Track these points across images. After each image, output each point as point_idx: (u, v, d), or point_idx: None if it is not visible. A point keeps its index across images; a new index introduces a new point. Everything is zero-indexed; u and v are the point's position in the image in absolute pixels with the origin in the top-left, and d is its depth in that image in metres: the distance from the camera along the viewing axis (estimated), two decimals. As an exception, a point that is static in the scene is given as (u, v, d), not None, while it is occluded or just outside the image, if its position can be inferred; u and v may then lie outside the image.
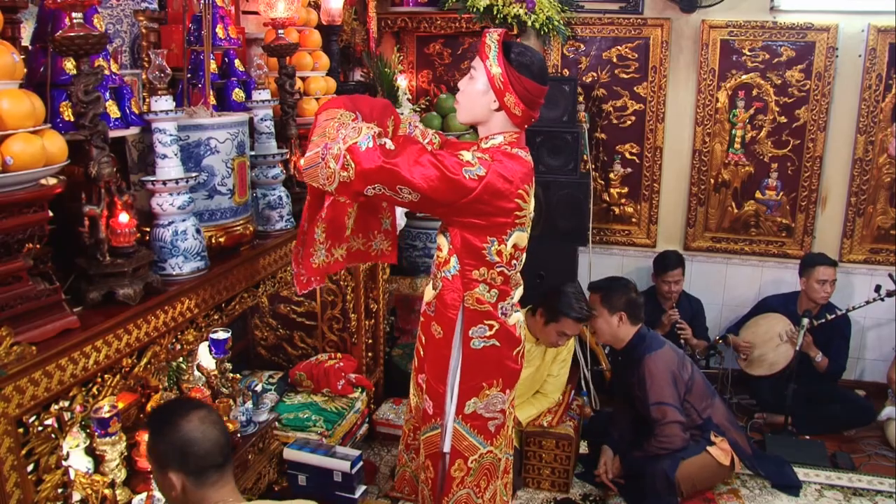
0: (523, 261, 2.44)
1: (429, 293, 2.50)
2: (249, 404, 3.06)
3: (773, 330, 4.38)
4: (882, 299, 4.30)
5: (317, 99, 3.37)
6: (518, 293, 2.48)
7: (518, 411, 3.58)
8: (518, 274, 2.45)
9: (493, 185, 2.19)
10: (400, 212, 3.82)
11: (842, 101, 4.61)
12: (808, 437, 4.26)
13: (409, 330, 4.61)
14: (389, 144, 2.16)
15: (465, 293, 2.36)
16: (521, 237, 2.35)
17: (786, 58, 4.58)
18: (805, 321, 4.20)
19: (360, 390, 3.76)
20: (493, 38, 2.28)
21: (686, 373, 3.63)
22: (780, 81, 4.60)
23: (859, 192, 4.70)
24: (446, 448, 2.48)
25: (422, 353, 2.57)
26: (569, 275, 4.31)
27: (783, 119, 4.64)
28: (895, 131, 4.61)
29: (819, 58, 4.54)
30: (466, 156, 2.22)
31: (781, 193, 4.75)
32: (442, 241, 2.40)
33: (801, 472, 3.87)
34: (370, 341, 4.01)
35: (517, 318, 2.48)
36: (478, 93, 2.32)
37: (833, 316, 4.29)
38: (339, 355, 3.81)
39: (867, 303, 4.32)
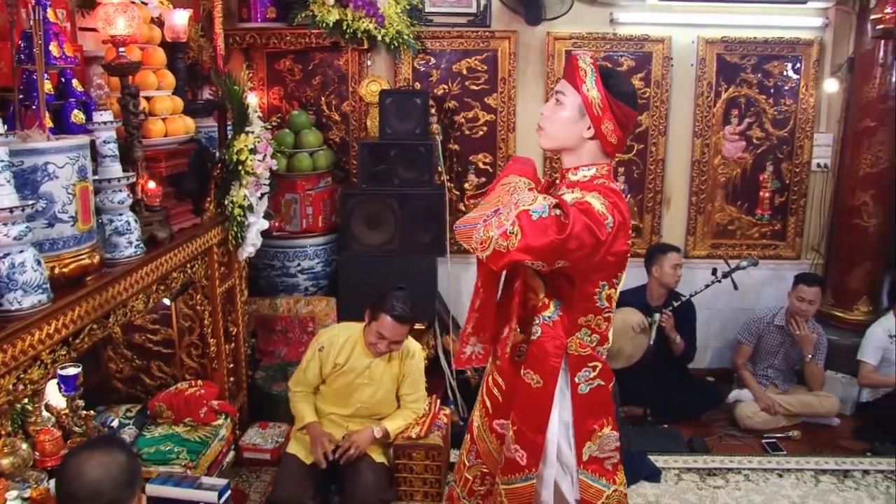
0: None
1: (512, 336, 2.32)
2: (105, 441, 2.90)
3: (627, 323, 4.56)
4: (719, 280, 4.59)
5: (163, 119, 3.25)
6: (611, 335, 2.34)
7: (387, 422, 3.58)
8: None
9: (618, 233, 2.05)
10: (255, 231, 3.76)
11: (679, 107, 4.90)
12: (665, 425, 4.47)
13: (271, 351, 4.53)
14: (564, 216, 1.96)
15: (567, 339, 2.23)
16: (622, 277, 2.25)
17: (626, 67, 4.81)
18: (657, 316, 4.43)
19: (223, 417, 3.64)
20: (587, 61, 2.14)
21: None
22: (620, 90, 4.82)
23: (699, 192, 5.00)
24: (575, 497, 2.36)
25: (499, 398, 2.42)
26: (429, 286, 4.36)
27: (626, 125, 4.86)
28: (727, 134, 4.93)
29: (656, 67, 4.80)
30: (596, 205, 2.03)
31: (629, 196, 4.97)
32: (538, 284, 2.25)
33: (661, 459, 4.06)
34: (231, 366, 3.90)
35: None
36: (568, 119, 2.17)
37: (679, 303, 4.53)
38: (199, 382, 3.68)
39: (707, 286, 4.59)
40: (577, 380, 2.27)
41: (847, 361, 4.74)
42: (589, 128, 2.15)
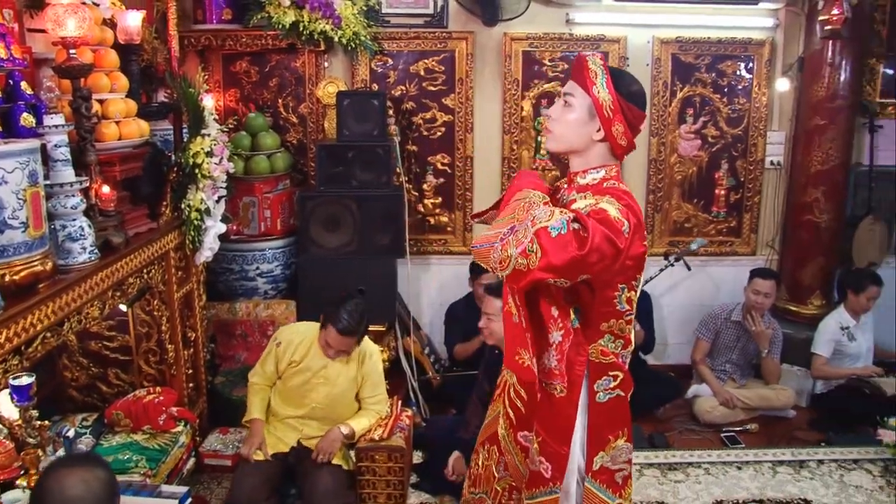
0: None
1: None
2: (61, 452, 2.85)
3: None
4: (672, 264, 4.75)
5: (117, 122, 3.19)
6: (633, 338, 2.29)
7: (352, 421, 3.57)
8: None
9: (635, 236, 1.99)
10: (212, 235, 3.72)
11: (635, 106, 4.94)
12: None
13: (231, 356, 4.49)
14: (583, 230, 1.89)
15: (589, 346, 2.17)
16: (640, 279, 2.21)
17: (582, 67, 4.84)
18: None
19: (183, 423, 3.60)
20: (597, 62, 2.09)
21: None
22: (578, 90, 4.85)
23: (656, 190, 5.06)
24: None
25: (522, 409, 2.35)
26: (389, 288, 4.34)
27: (583, 125, 4.90)
28: (683, 133, 5.00)
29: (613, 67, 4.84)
30: (612, 212, 1.96)
31: (586, 195, 5.01)
32: (555, 289, 2.15)
33: (622, 457, 4.10)
34: (190, 371, 3.85)
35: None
36: (577, 121, 2.12)
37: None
38: (158, 389, 3.63)
39: (661, 270, 4.71)
40: (595, 387, 2.21)
41: (802, 354, 4.84)
42: (598, 130, 2.11)
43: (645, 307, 4.74)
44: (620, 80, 2.11)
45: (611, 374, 2.21)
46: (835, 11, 4.39)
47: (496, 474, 2.54)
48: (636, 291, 2.17)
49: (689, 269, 4.74)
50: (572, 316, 2.16)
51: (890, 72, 5.03)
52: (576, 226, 1.90)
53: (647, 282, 4.64)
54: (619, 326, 2.17)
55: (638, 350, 4.68)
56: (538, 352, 2.22)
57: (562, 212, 1.94)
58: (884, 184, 5.14)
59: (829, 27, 4.48)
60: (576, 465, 2.27)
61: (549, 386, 2.23)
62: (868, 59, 4.93)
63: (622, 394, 2.25)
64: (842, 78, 4.72)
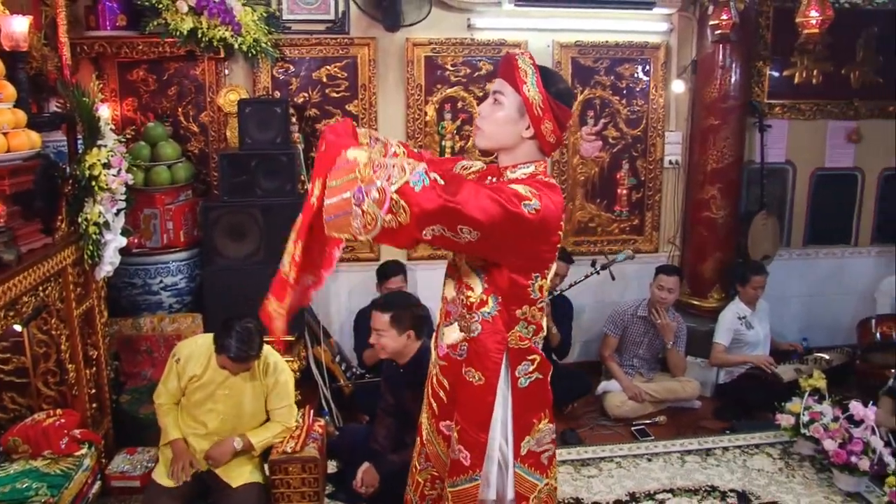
0: None
1: (452, 336, 2.32)
2: (-47, 482, 2.71)
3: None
4: (598, 272, 4.82)
5: (4, 133, 3.05)
6: (545, 324, 2.35)
7: (250, 434, 3.50)
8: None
9: (547, 219, 2.05)
10: (112, 249, 3.60)
11: (537, 109, 5.03)
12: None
13: (137, 373, 4.35)
14: (440, 179, 1.94)
15: (508, 333, 2.24)
16: (553, 267, 2.27)
17: (485, 71, 4.91)
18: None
19: (87, 446, 3.47)
20: (527, 62, 2.13)
21: None
22: (481, 93, 4.92)
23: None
24: (510, 495, 2.34)
25: (444, 399, 2.38)
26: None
27: (488, 129, 4.96)
28: (584, 134, 5.12)
29: (513, 71, 4.91)
30: (521, 189, 2.03)
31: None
32: (474, 280, 2.24)
33: (536, 455, 4.16)
34: (93, 391, 3.71)
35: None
36: (507, 119, 2.16)
37: (551, 296, 4.66)
38: (58, 411, 3.48)
39: (587, 276, 4.78)
40: (517, 373, 2.28)
41: (705, 347, 5.02)
42: (528, 127, 2.15)
43: (565, 311, 4.82)
44: (549, 78, 2.16)
45: (528, 358, 2.29)
46: (724, 17, 4.59)
47: (417, 466, 2.58)
48: (547, 280, 2.25)
49: (613, 278, 4.84)
50: (491, 304, 2.22)
51: (776, 74, 5.29)
52: (435, 175, 1.95)
53: (571, 286, 4.71)
54: (531, 313, 2.25)
55: (552, 353, 4.75)
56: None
57: (409, 163, 1.97)
58: (774, 180, 5.42)
59: (719, 31, 4.67)
60: (496, 452, 2.32)
61: (468, 373, 2.28)
62: (755, 62, 5.18)
63: (541, 376, 2.33)
64: (732, 80, 4.93)
